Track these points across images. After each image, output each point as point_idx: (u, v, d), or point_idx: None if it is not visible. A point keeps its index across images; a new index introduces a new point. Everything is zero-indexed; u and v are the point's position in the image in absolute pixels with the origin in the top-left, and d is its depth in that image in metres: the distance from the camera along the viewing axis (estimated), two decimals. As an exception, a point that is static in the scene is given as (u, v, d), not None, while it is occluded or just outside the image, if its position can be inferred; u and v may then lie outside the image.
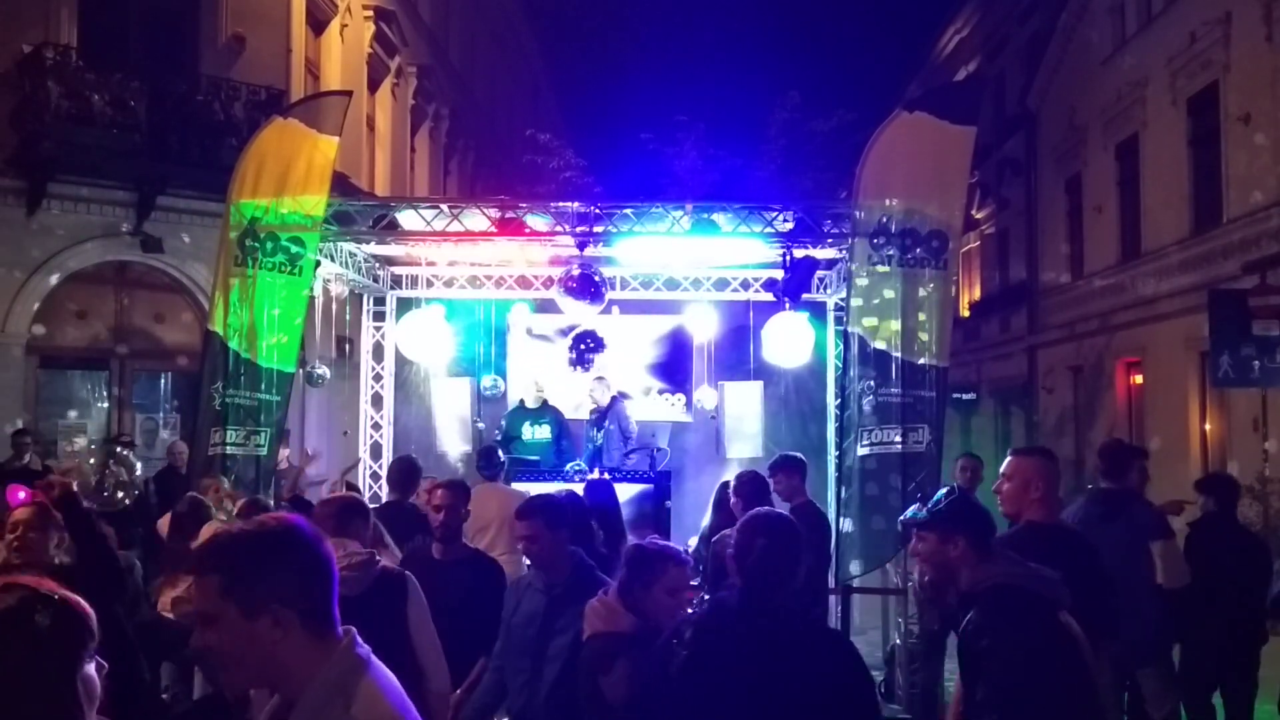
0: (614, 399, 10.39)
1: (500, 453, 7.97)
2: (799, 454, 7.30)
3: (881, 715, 3.23)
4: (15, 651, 1.94)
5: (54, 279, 12.28)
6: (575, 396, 11.17)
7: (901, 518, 3.42)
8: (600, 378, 10.45)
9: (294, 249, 8.17)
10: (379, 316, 11.11)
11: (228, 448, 7.89)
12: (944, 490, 3.40)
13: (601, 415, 10.22)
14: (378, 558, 3.86)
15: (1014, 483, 4.04)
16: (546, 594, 3.99)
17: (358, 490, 7.83)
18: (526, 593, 4.10)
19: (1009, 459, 4.20)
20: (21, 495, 5.04)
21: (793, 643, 2.90)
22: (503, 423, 10.51)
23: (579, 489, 6.52)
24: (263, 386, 8.08)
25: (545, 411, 10.32)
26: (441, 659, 3.75)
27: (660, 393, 11.81)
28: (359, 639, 1.97)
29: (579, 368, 10.31)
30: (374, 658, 1.97)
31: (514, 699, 3.98)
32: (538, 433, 10.10)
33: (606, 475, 8.31)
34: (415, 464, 6.85)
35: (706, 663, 2.90)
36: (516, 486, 8.00)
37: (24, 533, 4.09)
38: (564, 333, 10.99)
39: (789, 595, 2.99)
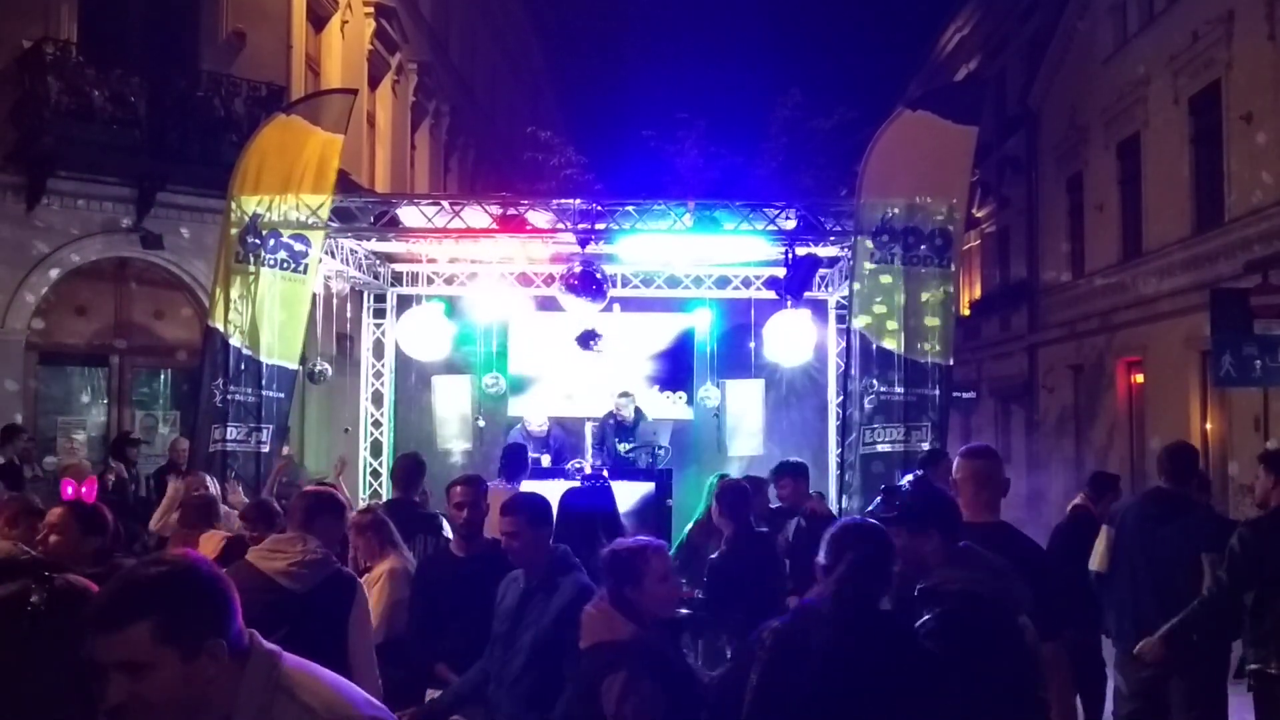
0: (639, 411, 10.32)
1: (527, 456, 7.86)
2: (799, 459, 7.28)
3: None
4: (10, 633, 1.95)
5: (54, 275, 12.24)
6: (580, 395, 11.16)
7: (866, 510, 3.27)
8: (628, 393, 10.34)
9: (297, 246, 8.16)
10: (379, 313, 11.10)
11: (229, 444, 7.88)
12: (908, 479, 3.25)
13: (629, 430, 10.12)
14: (333, 560, 3.84)
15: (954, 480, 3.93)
16: (522, 590, 4.08)
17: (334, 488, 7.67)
18: (510, 587, 4.19)
19: (955, 460, 4.12)
20: (69, 490, 5.02)
21: (882, 652, 2.85)
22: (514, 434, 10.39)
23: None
24: (265, 383, 8.06)
25: (547, 438, 10.20)
26: (373, 665, 3.75)
27: (662, 390, 11.79)
28: (259, 635, 1.95)
29: (588, 347, 10.23)
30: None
31: (493, 689, 4.06)
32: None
33: (587, 471, 8.30)
34: (420, 461, 6.82)
35: (787, 667, 2.87)
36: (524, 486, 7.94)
37: (47, 535, 4.07)
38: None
39: (878, 605, 2.96)
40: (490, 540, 4.74)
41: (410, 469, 6.55)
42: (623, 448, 9.99)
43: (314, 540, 3.81)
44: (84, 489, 5.01)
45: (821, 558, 3.05)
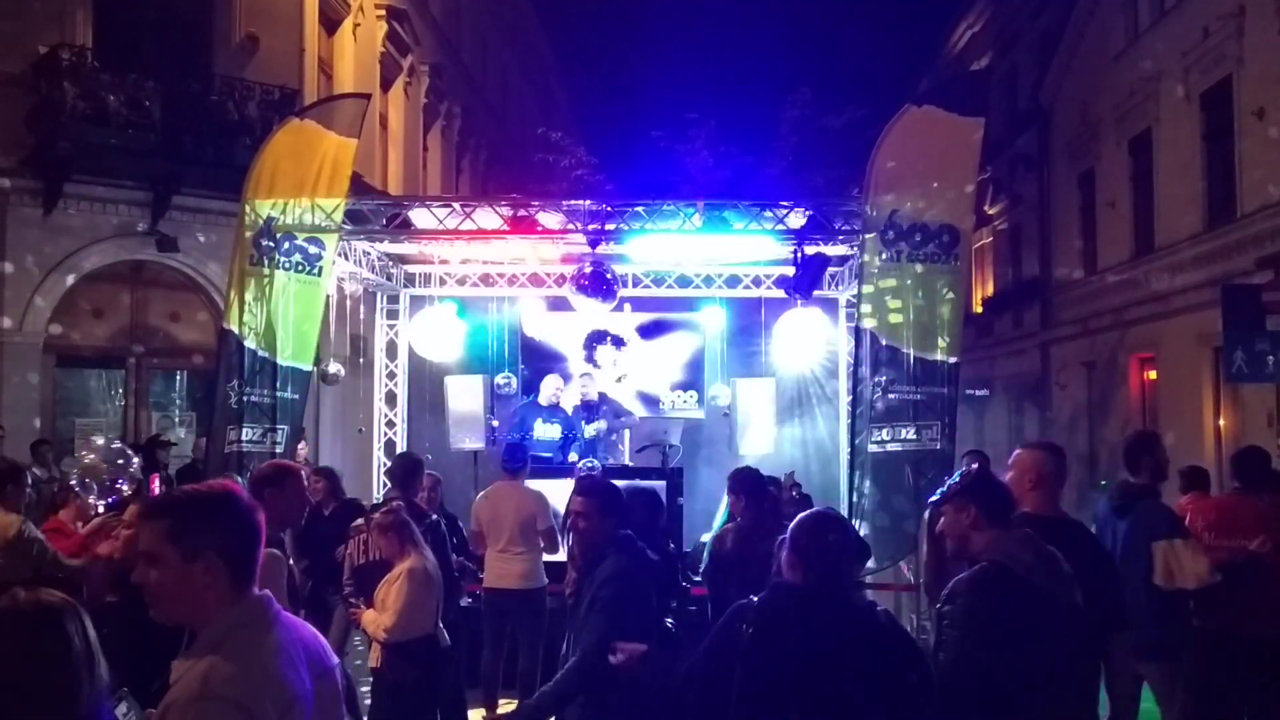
0: (601, 395, 10.50)
1: (525, 450, 7.93)
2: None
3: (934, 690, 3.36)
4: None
5: (70, 278, 12.38)
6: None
7: (930, 500, 3.63)
8: (586, 374, 10.57)
9: (311, 249, 8.22)
10: (392, 314, 11.17)
11: (245, 445, 7.96)
12: (966, 469, 3.60)
13: (593, 408, 10.29)
14: None
15: (1012, 474, 4.10)
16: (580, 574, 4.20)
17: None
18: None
19: (1015, 452, 4.26)
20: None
21: (853, 626, 3.08)
22: (515, 419, 10.55)
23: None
24: (280, 384, 8.13)
25: (557, 411, 10.37)
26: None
27: (673, 389, 11.85)
28: (273, 599, 2.26)
29: (594, 365, 10.41)
30: (285, 616, 2.27)
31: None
32: (549, 431, 10.15)
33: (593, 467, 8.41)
34: (418, 460, 6.90)
35: (772, 643, 3.05)
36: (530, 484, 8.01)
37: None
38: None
39: (850, 584, 3.30)
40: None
41: (408, 468, 6.60)
42: (589, 429, 10.11)
43: None
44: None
45: (793, 544, 3.23)
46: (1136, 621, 5.22)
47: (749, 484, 6.02)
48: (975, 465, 3.81)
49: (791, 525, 3.32)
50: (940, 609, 3.34)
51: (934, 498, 3.63)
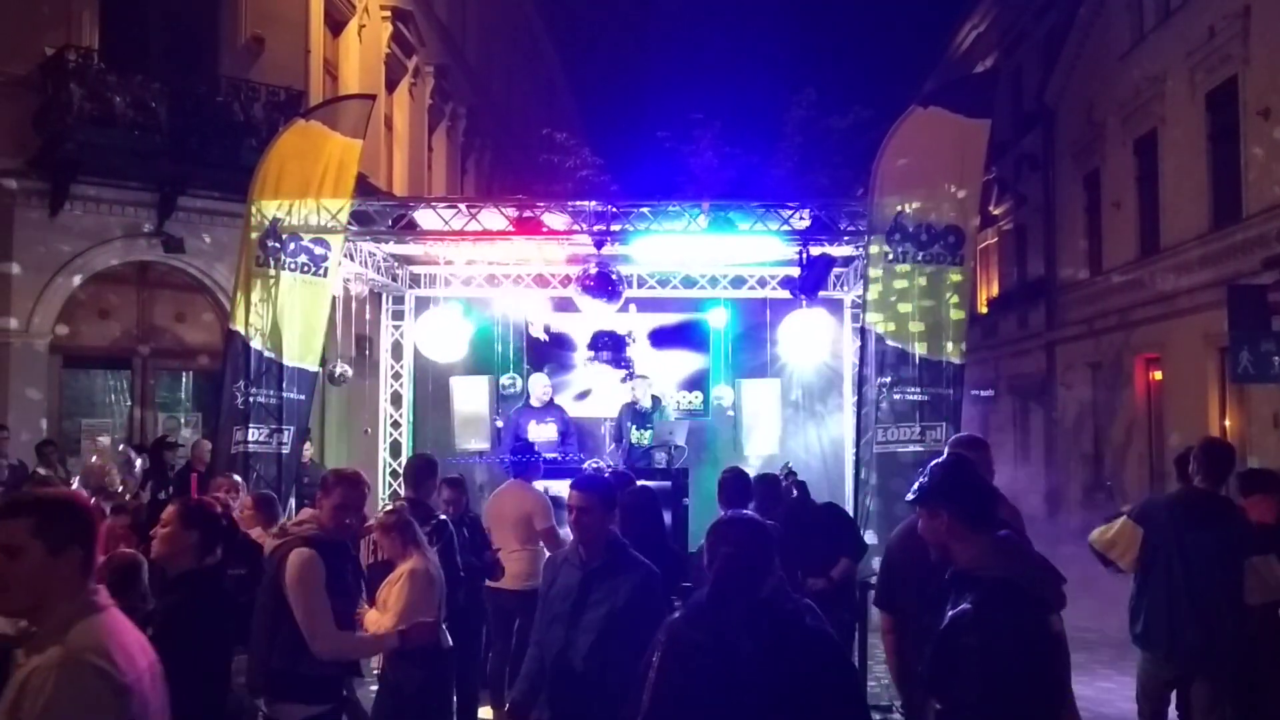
0: (656, 399, 10.40)
1: (532, 451, 7.90)
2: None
3: (863, 705, 3.20)
4: None
5: (77, 279, 12.39)
6: (595, 393, 11.24)
7: (905, 499, 3.34)
8: (644, 376, 10.47)
9: (317, 250, 8.26)
10: (398, 315, 11.19)
11: (250, 445, 7.98)
12: (939, 460, 3.26)
13: (646, 415, 10.19)
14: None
15: None
16: (582, 570, 4.14)
17: None
18: (563, 568, 4.26)
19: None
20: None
21: (764, 636, 2.88)
22: (510, 425, 10.51)
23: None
24: (286, 385, 8.16)
25: (551, 410, 10.33)
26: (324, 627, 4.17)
27: (678, 390, 11.86)
28: (105, 592, 2.44)
29: (613, 366, 10.34)
30: (116, 610, 2.44)
31: (553, 668, 4.13)
32: (544, 431, 10.11)
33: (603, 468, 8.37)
34: (432, 461, 6.88)
35: (680, 658, 2.94)
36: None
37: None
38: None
39: (761, 590, 2.95)
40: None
41: (420, 469, 6.60)
42: (639, 436, 10.04)
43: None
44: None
45: (704, 556, 3.08)
46: (1202, 637, 5.07)
47: (726, 488, 6.00)
48: (955, 455, 3.38)
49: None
50: (948, 640, 2.96)
51: (910, 496, 3.26)
